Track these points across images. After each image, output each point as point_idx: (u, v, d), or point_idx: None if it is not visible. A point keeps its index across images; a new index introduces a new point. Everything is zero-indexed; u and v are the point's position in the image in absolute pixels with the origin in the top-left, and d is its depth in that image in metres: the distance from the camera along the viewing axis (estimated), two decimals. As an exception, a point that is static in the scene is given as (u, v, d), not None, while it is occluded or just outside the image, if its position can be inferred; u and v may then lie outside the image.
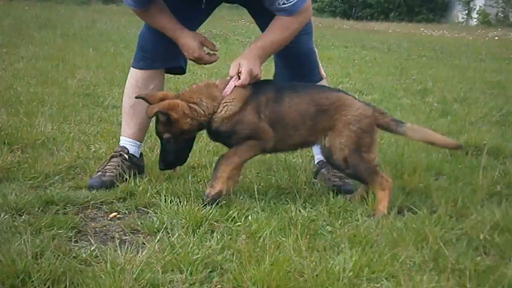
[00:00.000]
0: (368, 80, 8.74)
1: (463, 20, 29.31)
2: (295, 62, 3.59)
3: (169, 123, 3.01)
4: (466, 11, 29.15)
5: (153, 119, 3.27)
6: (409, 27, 26.45)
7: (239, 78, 3.14)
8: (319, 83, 3.64)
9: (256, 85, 3.17)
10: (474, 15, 28.18)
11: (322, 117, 3.16)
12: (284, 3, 3.20)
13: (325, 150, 3.20)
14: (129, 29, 13.74)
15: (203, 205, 2.95)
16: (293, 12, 3.24)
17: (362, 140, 3.15)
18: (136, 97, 3.23)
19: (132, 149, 3.53)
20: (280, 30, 3.31)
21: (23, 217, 2.80)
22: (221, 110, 3.09)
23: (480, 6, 27.67)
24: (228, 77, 3.18)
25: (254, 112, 3.10)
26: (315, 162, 3.74)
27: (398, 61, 11.98)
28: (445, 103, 6.87)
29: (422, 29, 25.73)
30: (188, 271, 2.29)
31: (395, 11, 30.61)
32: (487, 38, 19.81)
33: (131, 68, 3.63)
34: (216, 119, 3.09)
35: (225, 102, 3.09)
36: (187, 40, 3.35)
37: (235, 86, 3.12)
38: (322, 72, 3.71)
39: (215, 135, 3.19)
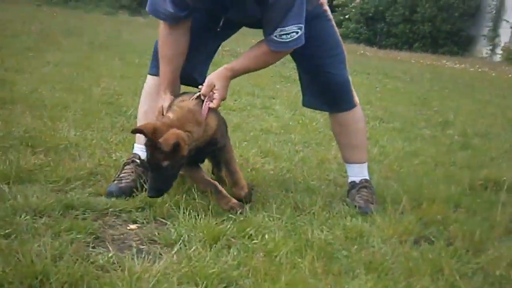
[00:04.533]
0: (390, 108, 8.73)
1: (487, 55, 29.20)
2: (331, 91, 3.64)
3: (173, 152, 3.00)
4: (491, 47, 29.06)
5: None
6: (432, 58, 26.39)
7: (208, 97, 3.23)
8: (353, 110, 3.71)
9: None
10: (499, 51, 28.08)
11: None
12: (282, 38, 3.20)
13: None
14: (154, 41, 13.77)
15: (247, 204, 3.20)
16: (285, 48, 3.27)
17: None
18: (132, 132, 3.22)
19: (144, 155, 3.55)
20: (259, 60, 3.37)
21: (43, 219, 2.83)
22: (208, 130, 3.22)
23: (505, 43, 27.60)
24: (196, 94, 3.25)
25: (218, 112, 3.34)
26: (348, 182, 3.81)
27: (420, 92, 11.95)
28: (466, 137, 6.85)
29: (445, 61, 25.65)
30: (204, 285, 2.30)
31: (419, 42, 30.57)
32: (510, 75, 19.71)
33: (148, 75, 3.69)
34: (204, 139, 3.21)
35: (207, 123, 3.21)
36: (165, 99, 3.39)
37: (209, 108, 3.22)
38: (356, 98, 3.74)
39: (202, 151, 3.30)
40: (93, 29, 16.17)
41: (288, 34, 3.19)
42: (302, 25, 3.20)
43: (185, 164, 3.19)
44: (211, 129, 3.23)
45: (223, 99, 3.25)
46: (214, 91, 3.23)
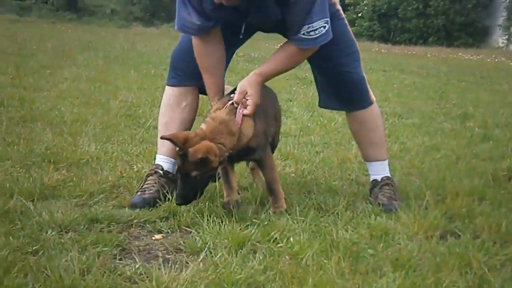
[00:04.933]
0: (408, 104, 8.70)
1: (503, 45, 28.96)
2: (348, 90, 3.64)
3: (202, 164, 3.01)
4: (506, 36, 28.82)
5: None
6: (448, 51, 26.25)
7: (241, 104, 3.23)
8: (370, 108, 3.71)
9: None
10: (515, 40, 27.87)
11: (275, 109, 3.62)
12: (310, 35, 3.20)
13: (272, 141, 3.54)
14: (169, 52, 13.80)
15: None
16: (314, 44, 3.26)
17: None
18: (162, 138, 3.23)
19: (166, 166, 3.57)
20: (288, 60, 3.38)
21: (69, 234, 2.85)
22: (243, 139, 3.19)
23: (521, 31, 27.39)
24: (229, 102, 3.24)
25: (260, 121, 3.29)
26: (370, 181, 3.80)
27: (437, 86, 11.90)
28: (486, 128, 6.79)
29: (461, 53, 25.51)
30: (232, 291, 2.31)
31: (433, 36, 30.44)
32: (527, 64, 19.57)
33: (166, 86, 3.70)
34: (239, 147, 3.19)
35: (242, 132, 3.19)
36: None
37: (243, 115, 3.20)
38: (372, 96, 3.74)
39: (234, 157, 3.27)
40: (107, 43, 16.30)
41: (315, 30, 3.19)
42: (328, 19, 3.21)
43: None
44: (246, 138, 3.21)
45: (256, 105, 3.24)
46: (247, 98, 3.23)
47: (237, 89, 3.26)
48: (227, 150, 3.12)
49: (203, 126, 3.16)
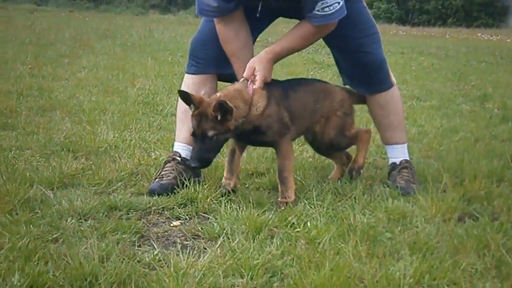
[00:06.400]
0: (426, 86, 8.64)
1: (524, 24, 28.62)
2: (368, 72, 3.63)
3: (220, 121, 3.06)
4: (527, 15, 28.46)
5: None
6: (467, 32, 25.99)
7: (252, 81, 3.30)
8: (391, 90, 3.72)
9: (266, 85, 3.33)
10: (535, 19, 27.50)
11: (317, 106, 3.48)
12: (325, 11, 3.21)
13: (314, 135, 3.54)
14: (186, 38, 13.95)
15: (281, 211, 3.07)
16: (330, 20, 3.26)
17: (345, 122, 3.54)
18: (179, 91, 3.26)
19: (184, 153, 3.58)
20: (302, 39, 3.39)
21: (88, 221, 2.89)
22: (253, 110, 3.24)
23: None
24: (242, 79, 3.33)
25: (276, 105, 3.30)
26: (389, 164, 3.80)
27: (456, 67, 11.80)
28: (505, 109, 6.73)
29: (480, 34, 25.24)
30: (249, 276, 2.32)
31: (452, 17, 30.14)
32: (548, 43, 19.32)
33: (185, 74, 3.71)
34: (250, 119, 3.22)
35: (253, 103, 3.24)
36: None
37: (253, 88, 3.27)
38: (393, 78, 3.74)
39: (246, 135, 3.30)
40: (125, 31, 16.35)
41: (330, 5, 3.20)
42: None
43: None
44: (257, 110, 3.24)
45: (264, 79, 3.29)
46: (256, 73, 3.29)
47: (247, 65, 3.33)
48: (240, 116, 3.16)
49: (217, 93, 3.25)
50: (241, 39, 3.45)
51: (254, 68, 3.30)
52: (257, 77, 3.29)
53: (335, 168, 3.76)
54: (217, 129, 3.09)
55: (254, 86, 3.28)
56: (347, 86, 3.75)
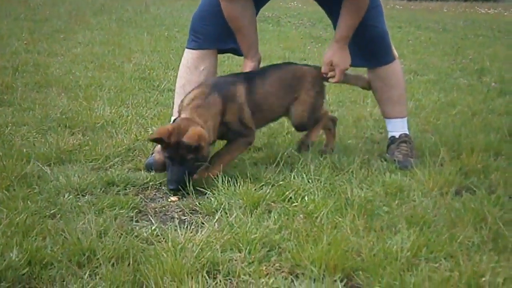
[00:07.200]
0: (423, 60, 8.61)
1: (522, -3, 28.46)
2: (371, 45, 3.63)
3: (197, 150, 3.02)
4: (525, -11, 28.28)
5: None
6: (465, 5, 25.85)
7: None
8: (392, 64, 3.72)
9: (225, 89, 3.26)
10: (534, -8, 27.34)
11: (289, 91, 3.49)
12: None
13: (287, 117, 3.59)
14: (182, 13, 13.88)
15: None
16: None
17: (318, 102, 3.57)
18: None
19: None
20: (356, 12, 3.40)
21: (86, 197, 2.89)
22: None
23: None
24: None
25: (237, 108, 3.26)
26: (388, 137, 3.81)
27: (454, 41, 11.75)
28: (503, 83, 6.73)
29: (478, 7, 25.11)
30: (247, 250, 2.33)
31: (450, -10, 29.95)
32: (547, 16, 19.24)
33: (185, 49, 3.69)
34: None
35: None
36: (247, 65, 3.56)
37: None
38: (395, 52, 3.74)
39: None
40: (120, 6, 16.21)
41: None
42: None
43: None
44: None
45: (344, 70, 3.46)
46: (335, 67, 3.44)
47: (323, 61, 3.46)
48: (211, 137, 3.14)
49: (183, 115, 3.17)
50: (247, 15, 3.46)
51: (331, 63, 3.42)
52: (337, 71, 3.44)
53: (325, 134, 3.79)
54: (195, 154, 3.04)
55: (334, 80, 3.47)
56: (318, 65, 3.73)
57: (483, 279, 2.09)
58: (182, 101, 3.26)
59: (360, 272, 2.19)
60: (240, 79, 3.37)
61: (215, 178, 3.08)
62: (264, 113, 3.43)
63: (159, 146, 3.35)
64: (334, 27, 3.70)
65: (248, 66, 3.55)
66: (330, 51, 3.44)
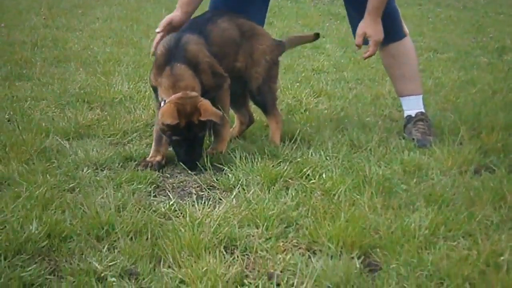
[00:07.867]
0: (443, 38, 8.51)
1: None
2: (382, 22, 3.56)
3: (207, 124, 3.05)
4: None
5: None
6: (486, -17, 25.51)
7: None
8: (403, 40, 3.69)
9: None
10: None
11: (244, 42, 3.37)
12: None
13: (246, 79, 3.41)
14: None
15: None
16: None
17: (272, 71, 3.45)
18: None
19: None
20: None
21: (104, 172, 2.91)
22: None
23: None
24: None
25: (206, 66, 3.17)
26: (404, 116, 3.77)
27: (474, 19, 11.59)
28: (524, 62, 6.65)
29: (500, -15, 24.74)
30: (264, 226, 2.33)
31: (471, -33, 29.56)
32: None
33: None
34: None
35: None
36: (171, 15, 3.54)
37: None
38: (405, 29, 3.69)
39: None
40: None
41: None
42: None
43: None
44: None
45: (378, 42, 3.43)
46: (368, 38, 3.41)
47: (357, 33, 3.45)
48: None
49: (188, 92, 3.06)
50: None
51: (365, 34, 3.40)
52: (371, 43, 3.42)
53: (236, 124, 3.64)
54: (205, 130, 3.07)
55: (368, 53, 3.44)
56: (281, 39, 3.69)
57: (502, 258, 2.07)
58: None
59: (378, 250, 2.18)
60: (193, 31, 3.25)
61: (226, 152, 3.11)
62: (226, 58, 3.30)
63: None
64: (346, 4, 3.68)
65: (174, 16, 3.51)
66: (363, 23, 3.42)
